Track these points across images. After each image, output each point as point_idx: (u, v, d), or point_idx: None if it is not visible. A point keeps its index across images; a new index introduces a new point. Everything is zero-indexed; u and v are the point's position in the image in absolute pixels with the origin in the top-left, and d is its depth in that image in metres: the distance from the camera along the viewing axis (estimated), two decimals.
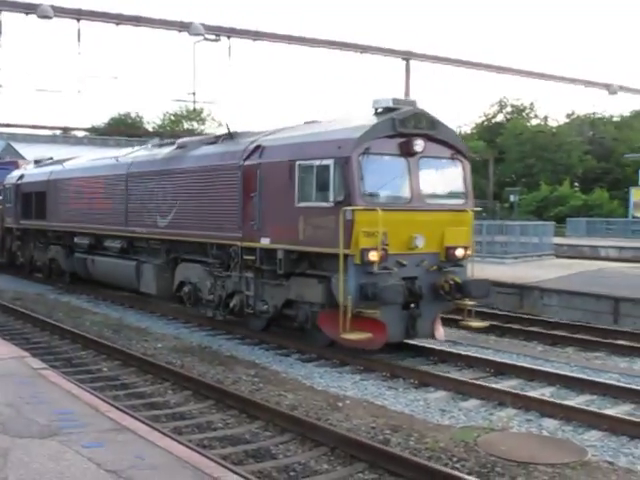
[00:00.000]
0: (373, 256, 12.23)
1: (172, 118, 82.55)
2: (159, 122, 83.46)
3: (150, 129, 79.13)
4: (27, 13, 28.35)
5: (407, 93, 36.53)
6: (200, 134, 51.68)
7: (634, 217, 53.20)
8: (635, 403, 10.78)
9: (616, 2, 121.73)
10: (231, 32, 31.84)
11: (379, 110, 13.27)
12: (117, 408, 8.55)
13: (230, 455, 8.46)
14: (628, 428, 9.37)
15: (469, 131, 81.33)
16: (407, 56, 36.90)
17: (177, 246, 17.69)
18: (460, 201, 13.92)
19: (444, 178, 13.89)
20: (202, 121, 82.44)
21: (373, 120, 13.03)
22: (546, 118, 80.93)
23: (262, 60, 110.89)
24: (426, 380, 11.98)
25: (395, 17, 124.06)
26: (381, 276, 12.33)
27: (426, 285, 13.11)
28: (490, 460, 8.32)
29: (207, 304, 16.70)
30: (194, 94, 36.17)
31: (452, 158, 13.79)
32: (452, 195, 13.93)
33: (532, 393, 11.18)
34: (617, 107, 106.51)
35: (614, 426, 9.48)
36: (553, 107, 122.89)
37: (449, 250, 13.26)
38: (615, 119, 76.67)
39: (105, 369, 13.12)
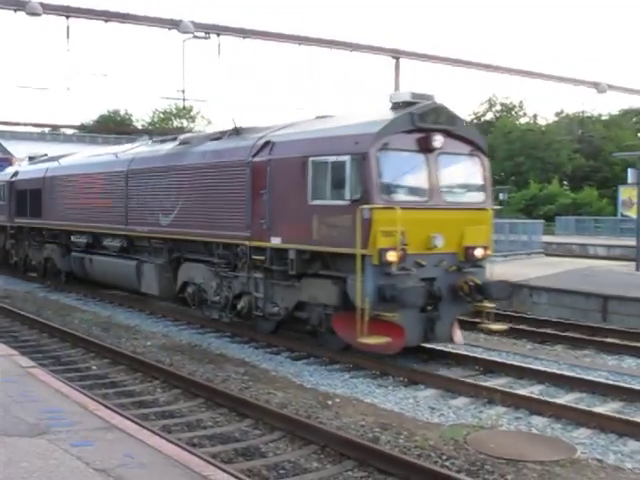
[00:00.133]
0: (391, 256, 11.70)
1: (161, 116, 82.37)
2: (148, 120, 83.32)
3: (139, 127, 78.96)
4: (16, 10, 28.24)
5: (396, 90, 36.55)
6: (190, 132, 51.57)
7: (623, 215, 53.41)
8: (624, 401, 10.82)
9: (605, 1, 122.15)
10: (220, 30, 31.79)
11: (396, 104, 12.75)
12: (106, 406, 8.52)
13: (219, 453, 8.44)
14: (617, 426, 9.40)
15: None
16: (396, 54, 36.92)
17: (180, 245, 17.16)
18: (479, 199, 13.39)
19: (463, 175, 13.41)
20: (192, 119, 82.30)
21: (391, 114, 12.55)
22: (535, 116, 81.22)
23: (252, 58, 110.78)
24: (415, 378, 11.98)
25: (385, 16, 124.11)
26: (399, 277, 11.80)
27: (445, 286, 12.60)
28: (479, 458, 8.34)
29: (212, 306, 16.15)
30: (183, 92, 36.21)
31: (471, 154, 13.31)
32: (471, 193, 13.46)
33: (521, 391, 11.20)
34: (606, 106, 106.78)
35: (603, 424, 9.50)
36: (542, 106, 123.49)
37: (468, 250, 12.74)
38: (604, 118, 76.92)
39: (94, 367, 13.09)
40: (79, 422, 7.51)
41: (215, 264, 15.73)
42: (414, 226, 12.01)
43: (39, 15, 28.08)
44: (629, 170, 46.94)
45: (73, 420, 7.58)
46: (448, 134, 12.73)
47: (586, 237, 46.76)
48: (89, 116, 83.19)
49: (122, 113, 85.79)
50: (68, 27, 29.52)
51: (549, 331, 16.14)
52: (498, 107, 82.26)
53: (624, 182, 54.26)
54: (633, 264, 24.98)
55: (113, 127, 75.08)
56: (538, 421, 9.86)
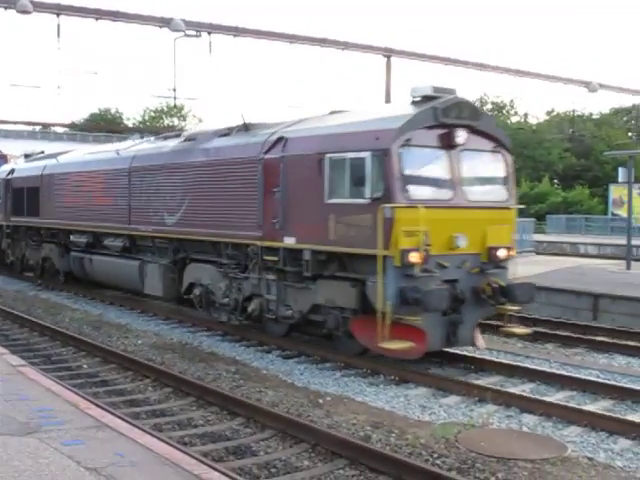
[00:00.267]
0: (414, 257, 11.18)
1: (152, 114, 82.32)
2: (139, 118, 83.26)
3: (130, 125, 78.90)
4: (6, 7, 28.12)
5: (388, 90, 36.60)
6: (181, 130, 51.49)
7: (613, 214, 53.62)
8: (614, 399, 10.85)
9: (597, 1, 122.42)
10: (212, 28, 31.71)
11: (417, 99, 12.27)
12: (97, 405, 8.51)
13: (211, 452, 8.43)
14: (607, 424, 9.42)
15: None
16: (387, 53, 36.90)
17: (186, 245, 16.60)
18: (503, 197, 12.90)
19: (486, 172, 12.90)
20: (183, 117, 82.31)
21: (413, 109, 12.04)
22: (526, 115, 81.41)
23: (243, 56, 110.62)
24: (407, 376, 11.98)
25: (376, 15, 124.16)
26: (422, 279, 11.27)
27: (467, 289, 12.09)
28: (470, 456, 8.35)
29: (221, 308, 15.52)
30: (175, 90, 36.08)
31: (494, 151, 12.82)
32: (494, 191, 12.94)
33: (512, 389, 11.22)
34: (597, 105, 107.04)
35: (594, 422, 9.53)
36: (533, 104, 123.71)
37: (491, 250, 12.23)
38: (595, 117, 77.22)
39: (85, 366, 13.06)
40: (70, 421, 7.50)
41: (224, 265, 15.21)
42: (437, 226, 11.52)
43: (30, 13, 27.97)
44: (620, 169, 47.05)
45: (64, 419, 7.56)
46: (471, 130, 12.29)
47: (577, 236, 46.92)
48: (80, 114, 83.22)
49: (113, 111, 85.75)
50: (59, 25, 29.43)
51: (540, 329, 16.16)
52: (489, 106, 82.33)
53: (615, 181, 54.47)
54: (623, 263, 25.07)
55: (104, 125, 74.96)
56: (529, 419, 9.88)
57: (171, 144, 17.65)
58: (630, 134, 74.19)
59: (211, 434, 9.22)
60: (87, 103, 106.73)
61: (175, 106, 71.51)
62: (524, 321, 17.09)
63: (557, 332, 15.97)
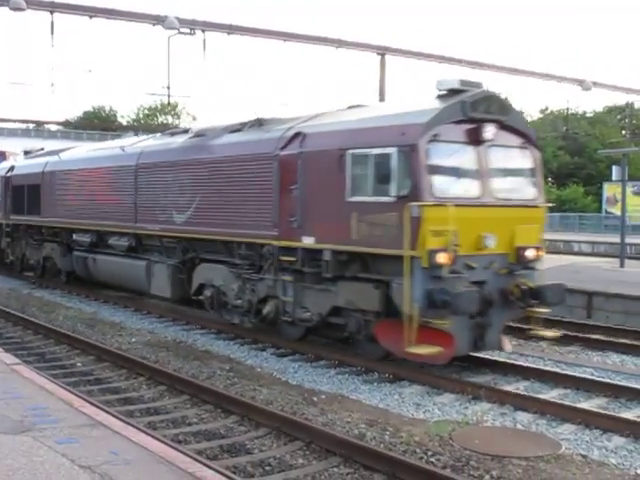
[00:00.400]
0: (442, 258, 10.77)
1: (146, 112, 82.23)
2: (133, 116, 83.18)
3: (124, 123, 78.81)
4: None
5: (382, 88, 36.57)
6: (175, 128, 51.46)
7: (607, 212, 53.75)
8: (608, 397, 10.86)
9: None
10: (206, 26, 31.65)
11: (442, 92, 11.82)
12: (91, 403, 8.50)
13: (205, 450, 8.43)
14: (601, 421, 9.43)
15: None
16: (382, 51, 36.85)
17: (196, 245, 16.10)
18: (531, 195, 12.48)
19: (514, 169, 12.46)
20: (177, 115, 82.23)
21: (440, 103, 11.59)
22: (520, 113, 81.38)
23: (237, 54, 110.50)
24: (401, 374, 11.96)
25: (371, 14, 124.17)
26: (450, 281, 10.88)
27: (495, 290, 11.66)
28: (465, 454, 8.36)
29: (233, 310, 15.01)
30: (169, 88, 36.02)
31: (522, 147, 12.41)
32: (523, 189, 12.48)
33: (506, 387, 11.24)
34: (590, 103, 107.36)
35: (587, 419, 9.54)
36: (527, 102, 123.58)
37: (520, 251, 11.81)
38: (588, 115, 77.30)
39: (79, 364, 13.05)
40: (64, 419, 7.48)
41: (237, 265, 14.72)
42: (465, 225, 11.06)
43: (23, 10, 27.88)
44: (613, 167, 47.11)
45: (58, 417, 7.55)
46: (500, 125, 11.88)
47: (571, 234, 46.99)
48: (74, 112, 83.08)
49: (107, 109, 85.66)
50: (52, 22, 29.35)
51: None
52: None
53: (608, 179, 54.68)
54: (617, 261, 25.12)
55: (98, 123, 74.88)
56: (523, 417, 9.89)
57: (179, 140, 17.13)
58: (624, 132, 74.13)
59: (205, 432, 9.21)
60: (81, 101, 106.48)
61: (169, 104, 71.47)
62: (519, 319, 17.14)
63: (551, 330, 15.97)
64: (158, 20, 30.46)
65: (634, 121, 72.50)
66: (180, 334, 15.58)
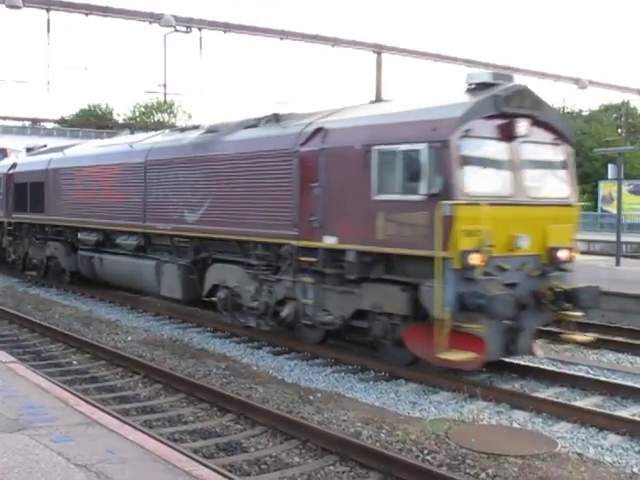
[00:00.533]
0: (475, 259, 10.34)
1: (142, 110, 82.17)
2: (129, 114, 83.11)
3: (120, 121, 78.78)
4: None
5: (379, 87, 36.61)
6: (171, 126, 51.46)
7: (603, 211, 53.74)
8: (604, 395, 10.87)
9: None
10: (202, 24, 31.70)
11: (472, 86, 11.37)
12: (87, 402, 8.48)
13: (201, 448, 8.43)
14: (597, 420, 9.44)
15: None
16: (378, 49, 36.92)
17: (208, 244, 15.53)
18: (565, 194, 12.03)
19: (547, 167, 11.98)
20: (173, 113, 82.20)
21: (471, 97, 11.12)
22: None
23: (234, 52, 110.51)
24: (397, 373, 11.95)
25: (367, 12, 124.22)
26: (482, 283, 10.43)
27: (527, 293, 11.18)
28: (461, 452, 8.36)
29: (248, 312, 14.48)
30: (165, 86, 36.07)
31: (556, 143, 11.94)
32: (556, 187, 12.01)
33: (502, 385, 11.24)
34: (586, 101, 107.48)
35: (583, 418, 9.55)
36: None
37: (552, 251, 11.37)
38: (584, 113, 77.32)
39: (75, 362, 13.03)
40: (60, 417, 7.47)
41: (253, 266, 14.16)
42: (498, 224, 10.59)
43: (19, 8, 27.86)
44: (609, 166, 47.09)
45: (54, 415, 7.53)
46: (533, 120, 11.40)
47: None
48: (70, 110, 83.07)
49: (103, 107, 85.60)
50: (49, 20, 29.35)
51: None
52: None
53: (604, 178, 54.68)
54: (613, 259, 25.13)
55: (94, 121, 74.83)
56: (519, 415, 9.89)
57: (191, 136, 16.58)
58: (619, 131, 74.33)
59: (201, 430, 9.21)
60: (77, 99, 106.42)
61: (165, 102, 71.42)
62: None
63: (547, 328, 15.95)
64: (154, 18, 30.50)
65: (630, 120, 72.73)
66: (176, 332, 15.57)
